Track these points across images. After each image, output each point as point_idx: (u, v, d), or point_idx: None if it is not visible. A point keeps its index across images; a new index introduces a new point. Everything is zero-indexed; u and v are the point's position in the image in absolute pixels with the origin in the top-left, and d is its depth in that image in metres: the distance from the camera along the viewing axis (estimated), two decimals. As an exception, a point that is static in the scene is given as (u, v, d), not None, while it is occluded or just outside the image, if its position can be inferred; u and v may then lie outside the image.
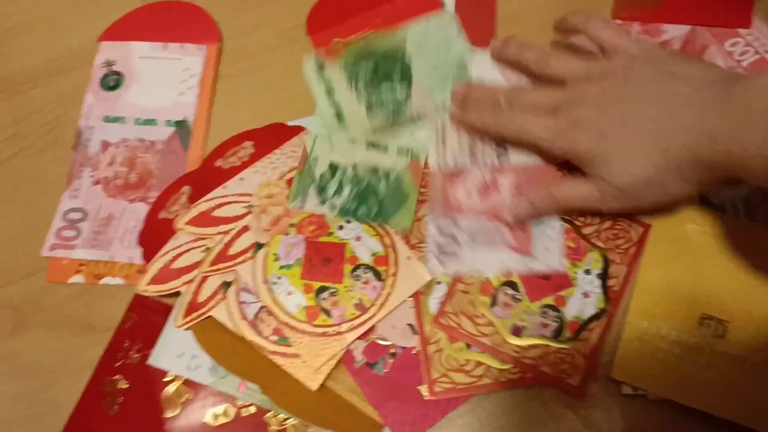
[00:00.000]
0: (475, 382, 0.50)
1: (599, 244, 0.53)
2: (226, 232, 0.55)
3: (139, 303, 0.55)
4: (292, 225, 0.55)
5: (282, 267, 0.54)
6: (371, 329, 0.52)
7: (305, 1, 0.64)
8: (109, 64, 0.64)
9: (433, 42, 0.59)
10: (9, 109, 0.64)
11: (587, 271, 0.52)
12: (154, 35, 0.64)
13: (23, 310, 0.57)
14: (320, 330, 0.52)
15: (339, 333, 0.52)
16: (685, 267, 0.51)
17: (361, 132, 0.57)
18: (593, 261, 0.52)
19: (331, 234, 0.54)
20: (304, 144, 0.57)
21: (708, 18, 0.58)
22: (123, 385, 0.53)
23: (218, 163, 0.57)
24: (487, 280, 0.53)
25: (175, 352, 0.53)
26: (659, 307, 0.51)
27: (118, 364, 0.54)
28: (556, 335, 0.51)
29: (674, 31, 0.59)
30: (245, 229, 0.55)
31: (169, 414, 0.52)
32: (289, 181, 0.56)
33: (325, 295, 0.53)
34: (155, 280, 0.54)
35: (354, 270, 0.53)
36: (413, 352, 0.52)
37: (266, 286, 0.53)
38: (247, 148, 0.58)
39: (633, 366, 0.49)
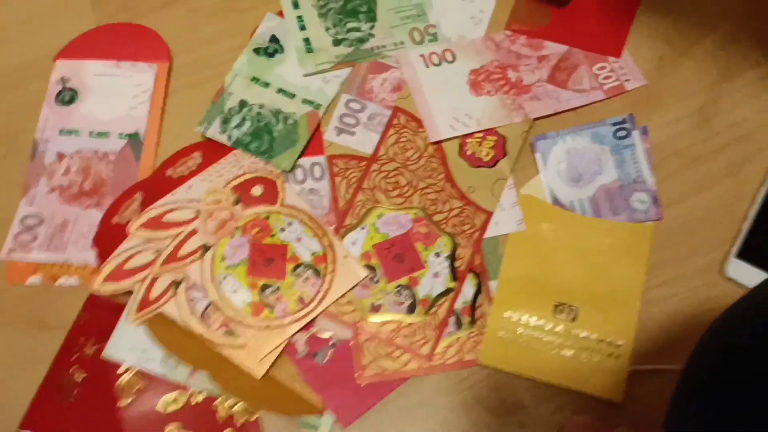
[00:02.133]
0: (400, 367, 0.55)
1: (448, 230, 0.58)
2: (175, 236, 0.58)
3: (93, 302, 0.58)
4: (237, 228, 0.59)
5: (228, 266, 0.58)
6: (312, 323, 0.57)
7: (250, 20, 0.68)
8: (64, 80, 0.67)
9: None
10: (-34, 122, 0.66)
11: (437, 254, 0.58)
12: (107, 54, 0.68)
13: (-19, 311, 0.59)
14: (264, 323, 0.56)
15: (281, 326, 0.56)
16: (541, 261, 0.58)
17: (327, 61, 0.64)
18: (443, 245, 0.58)
19: (273, 236, 0.59)
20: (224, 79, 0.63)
21: (585, 43, 0.65)
22: (79, 377, 0.56)
23: (168, 172, 0.61)
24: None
25: (128, 346, 0.56)
26: (519, 297, 0.57)
27: (74, 357, 0.57)
28: (409, 311, 0.56)
29: (554, 48, 0.65)
30: (193, 232, 0.58)
31: (123, 403, 0.55)
32: (234, 188, 0.60)
33: (268, 291, 0.57)
34: (109, 279, 0.57)
35: (295, 268, 0.58)
36: (351, 344, 0.56)
37: (214, 285, 0.57)
38: (196, 158, 0.62)
39: (498, 351, 0.56)
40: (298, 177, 0.61)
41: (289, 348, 0.56)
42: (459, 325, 0.56)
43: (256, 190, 0.60)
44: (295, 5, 0.67)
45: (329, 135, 0.62)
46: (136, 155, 0.64)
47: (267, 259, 0.58)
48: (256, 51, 0.66)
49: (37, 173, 0.63)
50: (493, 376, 0.56)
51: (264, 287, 0.57)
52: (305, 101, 0.63)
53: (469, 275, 0.57)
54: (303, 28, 0.66)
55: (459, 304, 0.57)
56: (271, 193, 0.60)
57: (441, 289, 0.57)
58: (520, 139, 0.61)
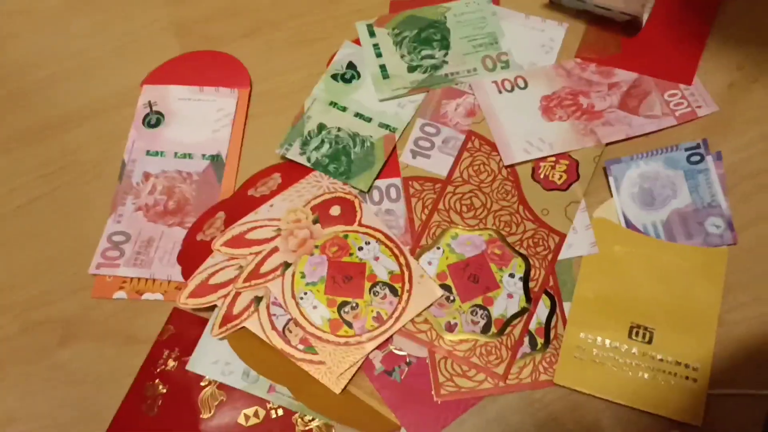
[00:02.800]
0: (476, 386, 0.56)
1: (522, 251, 0.59)
2: (257, 253, 0.60)
3: (177, 316, 0.60)
4: (316, 246, 0.60)
5: (308, 284, 0.59)
6: (389, 340, 0.58)
7: (324, 50, 0.71)
8: (150, 104, 0.70)
9: (470, 18, 0.69)
10: (59, 144, 0.70)
11: (511, 275, 0.59)
12: (191, 80, 0.71)
13: (71, 324, 0.62)
14: (343, 340, 0.57)
15: (360, 343, 0.57)
16: (615, 282, 0.58)
17: (402, 87, 0.66)
18: (517, 266, 0.59)
19: (351, 254, 0.60)
20: (303, 103, 0.65)
21: (656, 70, 0.66)
22: (162, 389, 0.58)
23: (250, 192, 0.63)
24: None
25: (211, 360, 0.58)
26: (594, 318, 0.57)
27: (157, 370, 0.59)
28: (485, 331, 0.57)
29: (624, 76, 0.66)
30: (275, 250, 0.60)
31: (204, 415, 0.57)
32: (313, 208, 0.62)
33: (347, 308, 0.58)
34: (193, 295, 0.59)
35: (372, 287, 0.59)
36: (427, 361, 0.57)
37: (294, 301, 0.58)
38: (276, 178, 0.64)
39: (573, 371, 0.56)
40: (375, 198, 0.63)
41: (366, 364, 0.57)
42: (534, 345, 0.57)
43: (335, 210, 0.62)
44: (371, 34, 0.69)
45: (405, 157, 0.63)
46: (218, 176, 0.66)
47: (345, 277, 0.59)
48: (334, 77, 0.68)
49: (125, 192, 0.66)
50: (568, 396, 0.56)
51: (342, 304, 0.58)
52: (382, 125, 0.65)
53: (543, 296, 0.58)
54: (379, 55, 0.68)
55: (533, 325, 0.57)
56: (349, 213, 0.62)
57: (515, 310, 0.58)
58: (593, 163, 0.62)
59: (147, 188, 0.66)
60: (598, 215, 0.61)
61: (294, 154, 0.65)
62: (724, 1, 0.68)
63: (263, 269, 0.60)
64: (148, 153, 0.68)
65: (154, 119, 0.69)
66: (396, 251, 0.60)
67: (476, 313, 0.58)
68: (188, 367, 0.58)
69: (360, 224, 0.61)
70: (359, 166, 0.63)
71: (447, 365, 0.57)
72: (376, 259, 0.60)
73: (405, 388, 0.57)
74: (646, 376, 0.55)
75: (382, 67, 0.67)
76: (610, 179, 0.61)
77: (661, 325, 0.56)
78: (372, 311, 0.58)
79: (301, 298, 0.59)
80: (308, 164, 0.64)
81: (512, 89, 0.66)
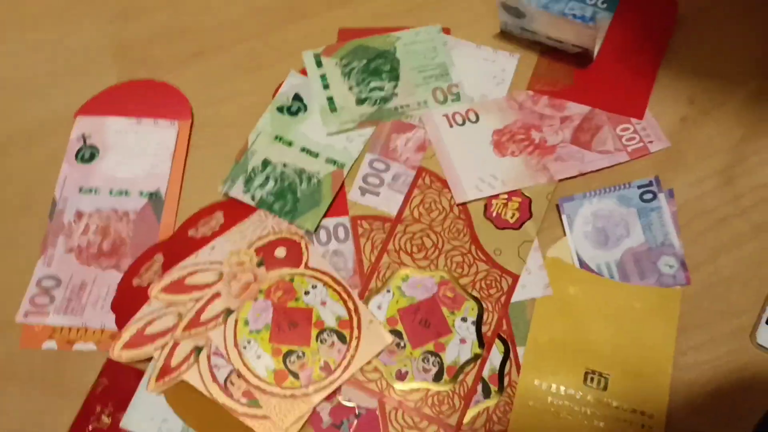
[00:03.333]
0: None
1: (474, 293, 0.57)
2: (197, 299, 0.57)
3: (111, 367, 0.57)
4: (260, 291, 0.57)
5: (251, 331, 0.56)
6: (337, 390, 0.55)
7: (271, 77, 0.67)
8: (84, 138, 0.66)
9: (420, 48, 0.66)
10: (-17, 179, 0.65)
11: (464, 319, 0.57)
12: (128, 111, 0.67)
13: (-5, 376, 0.57)
14: (288, 392, 0.54)
15: (306, 395, 0.54)
16: (570, 325, 0.56)
17: (350, 120, 0.63)
18: (469, 309, 0.57)
19: (297, 299, 0.57)
20: (247, 138, 0.62)
21: (608, 104, 0.64)
22: (95, 448, 0.54)
23: (190, 232, 0.60)
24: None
25: (147, 415, 0.54)
26: (549, 363, 0.55)
27: (90, 427, 0.55)
28: (437, 379, 0.55)
29: (576, 109, 0.65)
30: (216, 295, 0.57)
31: (141, 476, 0.53)
32: (258, 250, 0.59)
33: (292, 358, 0.55)
34: (128, 345, 0.55)
35: (320, 334, 0.56)
36: (377, 412, 0.54)
37: (237, 350, 0.55)
38: (218, 218, 0.60)
39: (528, 421, 0.54)
40: (322, 238, 0.60)
41: (313, 417, 0.54)
42: (487, 393, 0.55)
43: (280, 252, 0.59)
44: (319, 64, 0.66)
45: (353, 195, 0.61)
46: (157, 214, 0.63)
47: (291, 324, 0.56)
48: (280, 109, 0.65)
49: (55, 233, 0.62)
50: (523, 446, 0.54)
51: (288, 354, 0.55)
52: (329, 160, 0.62)
53: (496, 341, 0.56)
54: (326, 86, 0.65)
55: (486, 372, 0.55)
56: (295, 255, 0.59)
57: (468, 356, 0.55)
58: (546, 200, 0.60)
59: (80, 228, 0.62)
60: (552, 254, 0.59)
61: (237, 192, 0.61)
62: (674, 34, 0.67)
63: (204, 317, 0.56)
64: (81, 190, 0.64)
65: (87, 153, 0.65)
66: (344, 295, 0.57)
67: (428, 360, 0.55)
68: (123, 425, 0.54)
69: (307, 266, 0.58)
70: (305, 205, 0.60)
71: (398, 416, 0.54)
72: (323, 303, 0.57)
73: None
74: (601, 424, 0.53)
75: (330, 100, 0.65)
76: (563, 217, 0.60)
77: (616, 371, 0.55)
78: (319, 360, 0.55)
79: (245, 347, 0.55)
80: (252, 203, 0.61)
81: (463, 123, 0.64)
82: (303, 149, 0.63)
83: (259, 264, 0.58)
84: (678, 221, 0.59)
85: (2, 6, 0.74)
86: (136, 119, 0.67)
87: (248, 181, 0.62)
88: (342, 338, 0.56)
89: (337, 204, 0.61)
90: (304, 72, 0.67)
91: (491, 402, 0.54)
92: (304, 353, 0.55)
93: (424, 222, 0.59)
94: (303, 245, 0.59)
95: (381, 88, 0.65)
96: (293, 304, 0.57)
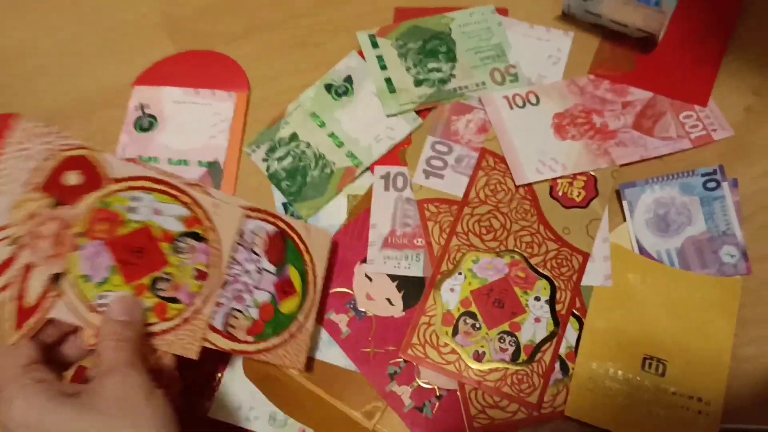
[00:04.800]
0: (510, 417, 0.54)
1: (546, 272, 0.58)
2: (4, 287, 0.43)
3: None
4: (79, 235, 0.45)
5: (98, 284, 0.45)
6: (415, 372, 0.55)
7: (325, 55, 0.68)
8: (142, 107, 0.67)
9: (475, 29, 0.67)
10: (43, 144, 0.66)
11: (537, 298, 0.57)
12: (186, 81, 0.68)
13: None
14: (179, 320, 0.47)
15: (197, 311, 0.48)
16: (627, 312, 0.57)
17: (410, 101, 0.63)
18: (542, 288, 0.57)
19: (126, 222, 0.47)
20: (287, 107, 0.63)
21: (670, 90, 0.64)
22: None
23: None
24: (447, 311, 0.57)
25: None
26: (606, 349, 0.56)
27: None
28: (514, 358, 0.55)
29: (639, 95, 0.64)
30: (28, 268, 0.43)
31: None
32: (43, 189, 0.45)
33: (159, 285, 0.47)
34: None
35: (173, 245, 0.48)
36: (457, 393, 0.55)
37: (95, 313, 0.44)
38: None
39: (584, 404, 0.54)
40: (399, 184, 0.62)
41: (395, 401, 0.55)
42: (565, 371, 0.55)
43: (71, 178, 0.46)
44: (375, 44, 0.67)
45: (418, 178, 0.61)
46: (216, 184, 0.63)
47: (136, 252, 0.46)
48: (327, 87, 0.65)
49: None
50: (582, 429, 0.54)
51: (153, 284, 0.47)
52: (349, 154, 0.62)
53: (570, 319, 0.56)
54: (384, 67, 0.65)
55: (563, 349, 0.56)
56: (91, 173, 0.47)
57: (544, 335, 0.56)
58: (611, 177, 0.60)
59: (139, 196, 0.62)
60: (612, 240, 0.59)
61: (257, 157, 0.63)
62: (739, 22, 0.67)
63: (30, 301, 0.43)
64: (140, 159, 0.64)
65: (146, 123, 0.66)
66: (174, 192, 0.49)
67: (504, 340, 0.56)
68: (210, 415, 0.55)
69: (116, 180, 0.47)
70: (310, 192, 0.62)
71: (478, 397, 0.55)
72: (157, 212, 0.48)
73: (437, 424, 0.55)
74: (658, 409, 0.54)
75: (388, 81, 0.65)
76: (624, 203, 0.60)
77: (674, 358, 0.55)
78: (189, 271, 0.48)
79: (100, 305, 0.44)
80: (266, 173, 0.62)
81: (524, 105, 0.64)
82: (331, 135, 0.63)
83: (54, 205, 0.45)
84: (741, 211, 0.59)
85: None
86: (194, 90, 0.67)
87: (270, 150, 0.63)
88: (197, 237, 0.49)
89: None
90: (362, 54, 0.67)
91: (570, 379, 0.55)
92: (169, 273, 0.47)
93: (490, 203, 0.60)
94: (94, 157, 0.47)
95: (439, 69, 0.65)
96: (124, 230, 0.46)
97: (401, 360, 0.56)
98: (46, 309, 0.43)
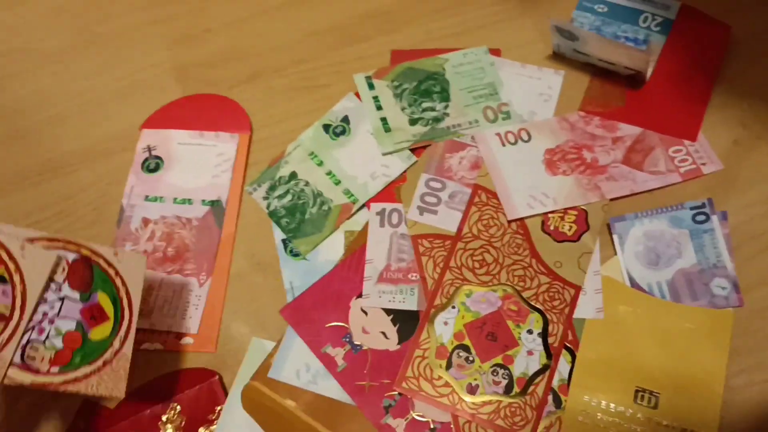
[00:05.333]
0: None
1: (538, 306, 0.59)
2: None
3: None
4: None
5: None
6: (410, 405, 0.57)
7: (326, 98, 0.71)
8: (149, 149, 0.70)
9: (468, 69, 0.70)
10: (55, 188, 0.70)
11: (530, 331, 0.59)
12: (191, 124, 0.71)
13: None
14: None
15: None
16: (619, 344, 0.58)
17: (404, 140, 0.66)
18: (534, 321, 0.59)
19: None
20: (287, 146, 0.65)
21: (660, 126, 0.66)
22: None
23: None
24: (441, 344, 0.58)
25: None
26: (598, 381, 0.57)
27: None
28: (507, 391, 0.57)
29: (628, 130, 0.67)
30: None
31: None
32: None
33: None
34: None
35: None
36: (451, 426, 0.56)
37: None
38: None
39: (577, 436, 0.55)
40: (394, 220, 0.65)
41: None
42: (558, 404, 0.56)
43: None
44: (371, 86, 0.70)
45: (412, 215, 0.64)
46: (218, 222, 0.66)
47: None
48: (326, 127, 0.69)
49: (123, 238, 0.66)
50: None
51: None
52: (346, 192, 0.65)
53: (563, 352, 0.58)
54: (379, 108, 0.69)
55: (556, 382, 0.57)
56: None
57: (537, 367, 0.57)
58: (602, 211, 0.62)
59: (146, 234, 0.66)
60: (603, 273, 0.61)
61: (258, 196, 0.66)
62: (726, 58, 0.69)
63: None
64: (146, 198, 0.68)
65: (153, 164, 0.70)
66: None
67: (497, 373, 0.57)
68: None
69: None
70: (309, 228, 0.64)
71: (472, 429, 0.56)
72: None
73: None
74: (651, 442, 0.55)
75: (383, 120, 0.68)
76: (615, 237, 0.62)
77: (666, 390, 0.56)
78: None
79: None
80: (266, 210, 0.65)
81: (516, 142, 0.66)
82: (329, 173, 0.66)
83: None
84: (731, 243, 0.60)
85: (74, 30, 0.79)
86: (198, 132, 0.71)
87: (271, 188, 0.66)
88: (1, 279, 0.49)
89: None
90: (359, 96, 0.71)
91: (563, 412, 0.56)
92: None
93: (483, 238, 0.62)
94: None
95: (433, 109, 0.69)
96: None
97: (396, 393, 0.57)
98: None
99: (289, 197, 0.66)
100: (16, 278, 0.49)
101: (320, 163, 0.67)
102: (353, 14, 0.76)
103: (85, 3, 0.80)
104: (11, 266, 0.49)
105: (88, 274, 0.54)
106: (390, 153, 0.66)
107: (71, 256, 0.53)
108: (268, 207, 0.65)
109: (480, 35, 0.73)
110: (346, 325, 0.60)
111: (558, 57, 0.71)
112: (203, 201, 0.67)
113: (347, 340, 0.60)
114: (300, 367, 0.58)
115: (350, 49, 0.75)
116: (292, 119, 0.72)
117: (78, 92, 0.75)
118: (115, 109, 0.74)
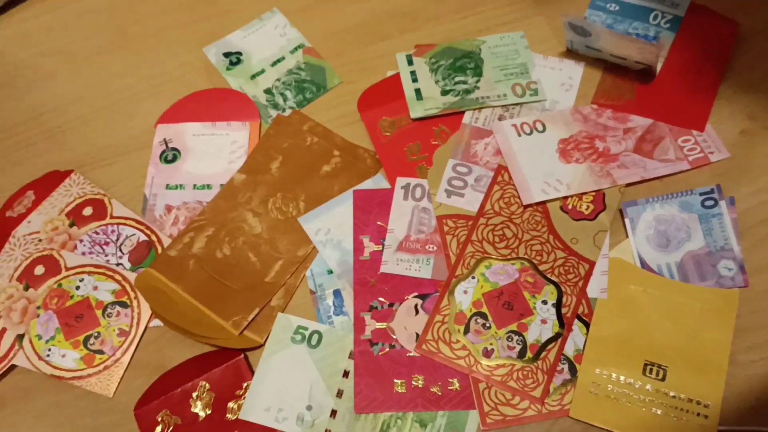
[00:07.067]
0: (521, 414, 0.64)
1: (553, 278, 0.68)
2: None
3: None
4: (38, 307, 0.72)
5: (47, 341, 0.70)
6: (389, 320, 0.67)
7: (347, 92, 0.82)
8: (166, 142, 0.80)
9: (503, 50, 0.81)
10: (94, 179, 0.80)
11: (544, 302, 0.68)
12: (203, 116, 0.81)
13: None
14: (101, 366, 0.69)
15: (116, 360, 0.70)
16: (630, 321, 0.67)
17: (434, 107, 0.78)
18: (549, 293, 0.68)
19: (72, 297, 0.72)
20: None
21: (669, 117, 0.76)
22: None
23: (8, 213, 0.77)
24: (460, 311, 0.68)
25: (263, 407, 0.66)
26: (609, 355, 0.66)
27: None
28: (520, 356, 0.66)
29: (639, 121, 0.76)
30: (3, 331, 0.71)
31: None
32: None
33: (91, 341, 0.70)
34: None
35: (104, 311, 0.71)
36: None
37: (43, 362, 0.70)
38: (29, 196, 0.78)
39: (588, 405, 0.64)
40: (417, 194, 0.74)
41: (359, 323, 0.67)
42: (574, 372, 0.65)
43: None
44: (410, 62, 0.81)
45: (440, 197, 0.73)
46: (238, 209, 0.75)
47: (77, 318, 0.71)
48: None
49: (149, 224, 0.75)
50: (586, 430, 0.63)
51: (86, 340, 0.70)
52: None
53: (579, 323, 0.67)
54: (415, 80, 0.79)
55: (572, 352, 0.66)
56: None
57: (549, 335, 0.66)
58: (618, 192, 0.72)
59: (170, 220, 0.75)
60: (615, 255, 0.70)
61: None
62: (734, 54, 0.79)
63: (1, 353, 0.70)
64: (167, 187, 0.77)
65: (170, 155, 0.79)
66: (110, 272, 0.73)
67: (512, 339, 0.66)
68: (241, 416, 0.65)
69: (67, 269, 0.74)
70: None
71: (491, 394, 0.65)
72: (95, 288, 0.72)
73: (372, 366, 0.67)
74: (659, 411, 0.63)
75: (417, 91, 0.79)
76: (626, 221, 0.70)
77: (674, 364, 0.64)
78: (113, 330, 0.70)
79: (48, 356, 0.70)
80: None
81: (531, 132, 0.76)
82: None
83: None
84: (738, 228, 0.69)
85: (109, 31, 0.91)
86: (211, 123, 0.80)
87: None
88: (123, 305, 0.71)
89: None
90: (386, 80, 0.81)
91: (576, 380, 0.65)
92: (99, 333, 0.70)
93: (504, 215, 0.72)
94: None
95: (465, 82, 0.79)
96: (71, 302, 0.72)
97: (386, 301, 0.69)
98: (11, 358, 0.70)
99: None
100: (135, 304, 0.71)
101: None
102: (375, 14, 0.87)
103: (119, 5, 0.92)
104: (132, 295, 0.72)
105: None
106: (420, 118, 0.77)
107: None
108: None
109: (497, 33, 0.83)
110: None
111: (571, 54, 0.81)
112: (221, 185, 0.76)
113: (383, 242, 0.71)
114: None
115: (373, 47, 0.84)
116: (315, 116, 0.81)
117: (113, 90, 0.86)
118: (148, 107, 0.84)
